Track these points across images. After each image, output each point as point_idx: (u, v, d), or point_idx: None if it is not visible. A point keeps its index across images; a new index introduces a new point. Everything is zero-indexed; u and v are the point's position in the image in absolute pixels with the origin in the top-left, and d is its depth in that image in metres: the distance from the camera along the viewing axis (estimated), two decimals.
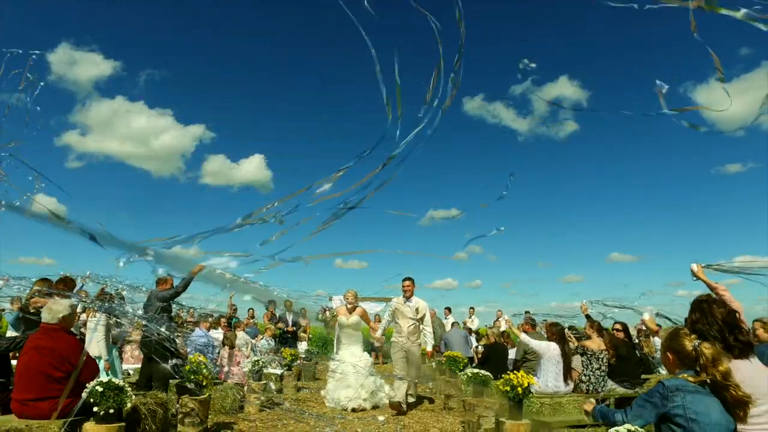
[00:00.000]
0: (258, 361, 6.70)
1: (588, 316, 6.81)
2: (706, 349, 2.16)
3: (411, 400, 6.63)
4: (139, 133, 23.69)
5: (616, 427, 2.11)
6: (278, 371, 8.01)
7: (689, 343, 2.19)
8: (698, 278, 3.38)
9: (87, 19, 25.14)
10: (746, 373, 2.28)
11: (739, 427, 2.14)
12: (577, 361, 5.67)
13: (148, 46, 26.80)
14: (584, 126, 25.14)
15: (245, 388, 6.61)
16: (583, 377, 5.53)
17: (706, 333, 2.49)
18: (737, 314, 2.62)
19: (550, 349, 5.27)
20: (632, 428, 2.03)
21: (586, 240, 28.46)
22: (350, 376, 6.56)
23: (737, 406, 2.00)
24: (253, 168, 24.64)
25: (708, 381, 2.07)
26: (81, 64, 22.61)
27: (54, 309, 4.06)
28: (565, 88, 24.79)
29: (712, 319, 2.53)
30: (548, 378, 5.46)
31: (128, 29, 26.13)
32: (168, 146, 24.21)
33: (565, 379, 5.45)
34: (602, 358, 5.45)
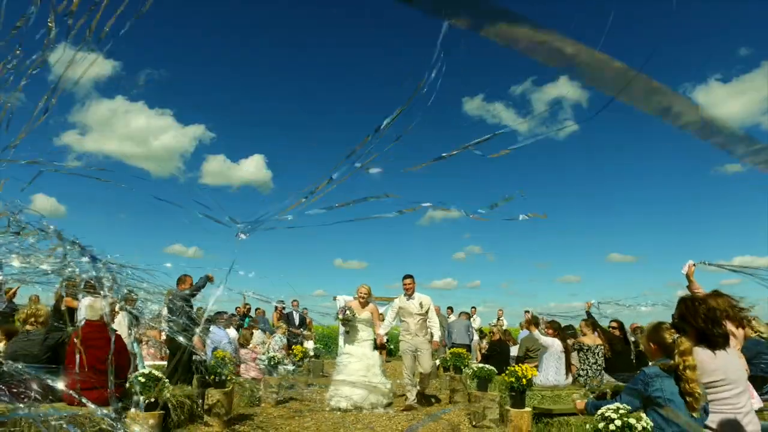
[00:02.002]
0: (273, 357, 7.07)
1: (589, 314, 7.17)
2: (683, 342, 2.55)
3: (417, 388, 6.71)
4: (138, 133, 23.84)
5: (606, 406, 2.49)
6: (290, 368, 8.39)
7: (669, 336, 2.58)
8: (687, 275, 3.73)
9: (86, 18, 25.35)
10: (722, 360, 2.66)
11: (715, 407, 2.53)
12: (574, 358, 6.06)
13: (147, 46, 27.02)
14: (584, 126, 25.48)
15: (262, 382, 6.98)
16: (581, 371, 5.92)
17: (692, 326, 2.85)
18: (718, 311, 3.00)
19: (554, 345, 5.67)
20: (621, 406, 2.41)
21: (585, 240, 28.79)
22: (358, 379, 6.41)
23: (687, 395, 2.38)
24: (252, 168, 24.79)
25: (673, 368, 2.46)
26: (80, 64, 22.78)
27: (96, 307, 4.45)
28: (564, 89, 25.07)
29: (696, 314, 2.90)
30: (549, 372, 5.86)
31: (128, 29, 26.34)
32: (167, 146, 24.37)
33: (567, 373, 5.85)
34: (597, 353, 5.84)
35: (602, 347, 5.91)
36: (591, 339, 5.93)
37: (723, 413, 2.52)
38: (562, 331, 5.79)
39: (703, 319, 2.80)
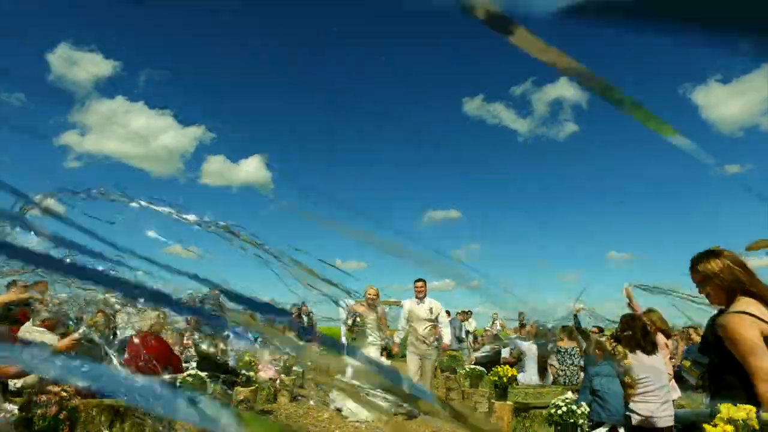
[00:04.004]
0: (288, 358, 7.90)
1: (576, 317, 7.97)
2: (620, 349, 3.41)
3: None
4: (138, 133, 24.18)
5: (560, 397, 3.33)
6: (300, 368, 9.21)
7: (609, 344, 3.44)
8: (626, 296, 4.58)
9: (87, 18, 25.82)
10: (650, 363, 3.52)
11: (642, 397, 3.38)
12: (553, 360, 6.90)
13: (148, 47, 27.58)
14: (584, 127, 26.11)
15: (278, 381, 7.82)
16: (560, 371, 6.76)
17: (631, 337, 3.70)
18: (649, 325, 3.86)
19: (531, 349, 6.52)
20: (568, 397, 3.25)
21: (585, 239, 29.52)
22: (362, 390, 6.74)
23: (627, 387, 3.25)
24: (252, 168, 25.16)
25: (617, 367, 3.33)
26: (81, 64, 23.14)
27: (144, 317, 5.30)
28: (564, 90, 25.69)
29: (634, 328, 3.76)
30: (531, 373, 6.71)
31: (128, 29, 26.90)
32: (167, 147, 24.74)
33: (545, 374, 6.70)
34: (574, 354, 6.68)
35: (577, 349, 6.75)
36: (567, 342, 6.78)
37: (647, 401, 3.38)
38: (543, 336, 6.65)
39: (640, 332, 3.66)
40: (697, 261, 2.18)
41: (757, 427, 1.72)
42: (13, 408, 2.90)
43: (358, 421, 6.07)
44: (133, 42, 26.66)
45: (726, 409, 1.79)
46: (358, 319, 6.56)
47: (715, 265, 2.14)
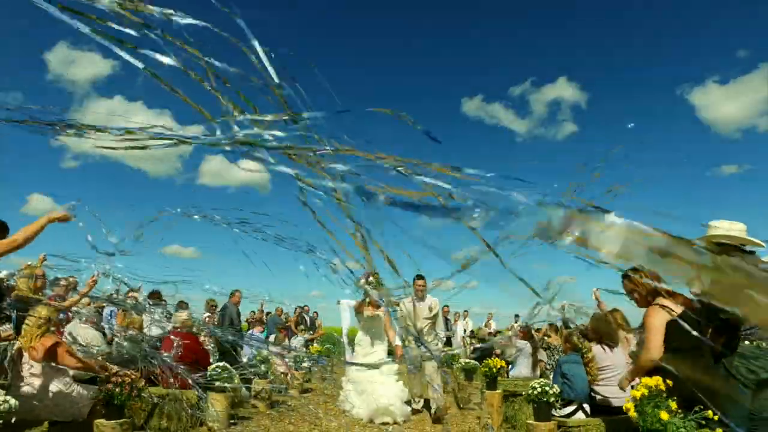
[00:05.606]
0: (298, 356, 8.60)
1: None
2: (585, 346, 4.10)
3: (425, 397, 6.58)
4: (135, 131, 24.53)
5: (536, 381, 4.01)
6: (307, 365, 9.91)
7: (577, 339, 4.13)
8: (595, 298, 5.29)
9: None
10: (611, 354, 4.21)
11: (604, 382, 4.07)
12: (543, 355, 7.60)
13: (146, 46, 27.95)
14: (583, 128, 26.41)
15: (289, 376, 8.51)
16: (547, 366, 7.45)
17: (596, 332, 4.39)
18: (613, 322, 4.56)
19: (526, 347, 7.24)
20: (543, 381, 3.94)
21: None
22: (369, 389, 6.10)
23: (589, 373, 3.94)
24: (251, 168, 25.56)
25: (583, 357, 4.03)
26: (79, 64, 23.28)
27: (177, 317, 5.98)
28: (563, 90, 25.99)
29: (600, 325, 4.45)
30: (521, 368, 7.41)
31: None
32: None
33: (534, 368, 7.39)
34: (561, 350, 7.38)
35: (563, 345, 7.45)
36: (555, 339, 7.48)
37: (608, 385, 4.07)
38: (531, 336, 7.37)
39: (604, 328, 4.36)
40: (623, 281, 2.98)
41: (663, 388, 2.42)
42: (89, 391, 3.58)
43: (354, 416, 6.13)
44: (132, 41, 27.01)
45: (644, 379, 2.49)
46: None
47: (632, 283, 2.93)
